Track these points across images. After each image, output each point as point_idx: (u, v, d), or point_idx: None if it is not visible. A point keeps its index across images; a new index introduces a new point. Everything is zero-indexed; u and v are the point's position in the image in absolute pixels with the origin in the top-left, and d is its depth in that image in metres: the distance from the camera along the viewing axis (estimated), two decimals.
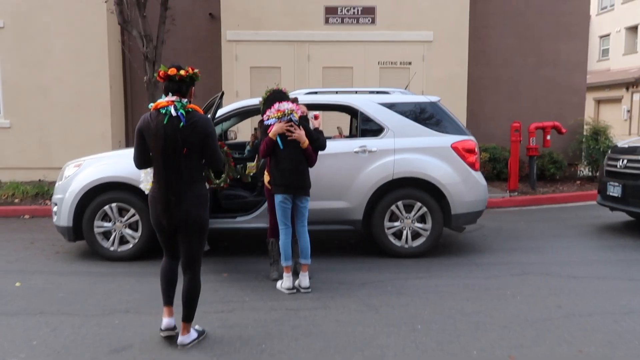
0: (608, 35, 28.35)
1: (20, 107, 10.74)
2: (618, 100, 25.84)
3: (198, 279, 3.51)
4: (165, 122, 3.25)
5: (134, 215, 5.75)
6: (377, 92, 6.32)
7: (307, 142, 4.63)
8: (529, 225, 7.62)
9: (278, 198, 4.64)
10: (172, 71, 3.34)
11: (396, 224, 5.81)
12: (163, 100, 3.34)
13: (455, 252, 6.06)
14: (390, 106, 5.94)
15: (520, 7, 11.56)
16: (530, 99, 11.67)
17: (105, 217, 5.80)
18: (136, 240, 5.77)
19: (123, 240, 5.81)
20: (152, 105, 3.39)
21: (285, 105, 4.61)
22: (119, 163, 5.83)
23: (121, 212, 5.79)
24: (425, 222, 5.82)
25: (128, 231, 5.78)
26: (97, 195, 5.76)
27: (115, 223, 5.77)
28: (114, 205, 5.73)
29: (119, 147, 10.99)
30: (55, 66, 10.65)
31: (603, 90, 25.08)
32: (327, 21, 10.90)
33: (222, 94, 5.28)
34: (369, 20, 10.93)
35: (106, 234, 5.81)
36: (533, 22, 11.57)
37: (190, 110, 3.34)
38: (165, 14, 9.20)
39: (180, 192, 3.31)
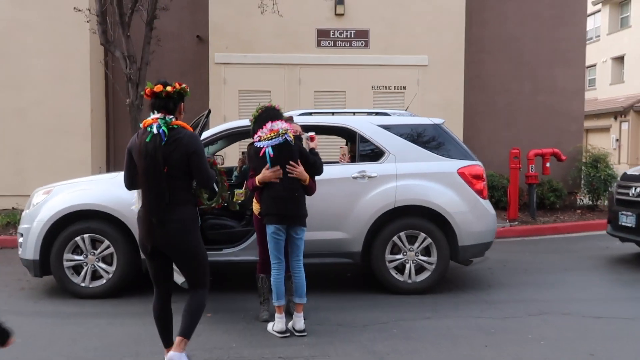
0: (594, 65, 28.51)
1: None
2: (607, 129, 25.83)
3: (205, 294, 3.35)
4: (147, 139, 3.16)
5: (108, 247, 5.19)
6: (377, 114, 5.90)
7: (308, 178, 4.17)
8: (536, 258, 7.15)
9: (270, 229, 4.11)
10: (158, 88, 3.24)
11: (398, 256, 5.30)
12: (150, 118, 3.26)
13: (461, 288, 5.54)
14: (391, 128, 5.50)
15: (515, 33, 11.33)
16: (527, 125, 11.35)
17: (76, 250, 5.22)
18: (110, 275, 5.19)
19: (95, 275, 5.23)
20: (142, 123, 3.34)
21: (279, 125, 4.12)
22: (92, 189, 5.29)
23: (94, 243, 5.22)
24: (430, 255, 5.32)
25: (101, 265, 5.21)
26: (67, 225, 5.19)
27: (87, 256, 5.20)
28: (86, 236, 5.17)
29: (99, 172, 10.40)
30: (34, 88, 10.12)
31: (591, 119, 25.04)
32: (319, 44, 10.56)
33: (209, 112, 4.80)
34: (362, 44, 10.60)
35: (77, 269, 5.23)
36: (529, 48, 11.34)
37: (175, 127, 3.23)
38: (150, 34, 8.77)
39: (162, 214, 3.16)
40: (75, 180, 5.56)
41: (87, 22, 8.84)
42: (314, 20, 10.52)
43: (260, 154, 4.07)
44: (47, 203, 5.24)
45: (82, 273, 5.20)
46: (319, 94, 10.49)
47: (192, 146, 3.20)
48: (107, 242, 5.17)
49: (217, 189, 4.10)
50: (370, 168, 5.32)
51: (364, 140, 5.42)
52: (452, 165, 5.42)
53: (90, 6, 8.78)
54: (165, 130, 3.17)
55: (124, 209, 5.07)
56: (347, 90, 10.51)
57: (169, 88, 3.25)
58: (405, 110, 6.31)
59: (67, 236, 5.15)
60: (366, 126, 5.47)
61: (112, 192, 5.19)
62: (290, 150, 4.11)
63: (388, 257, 5.28)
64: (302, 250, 4.20)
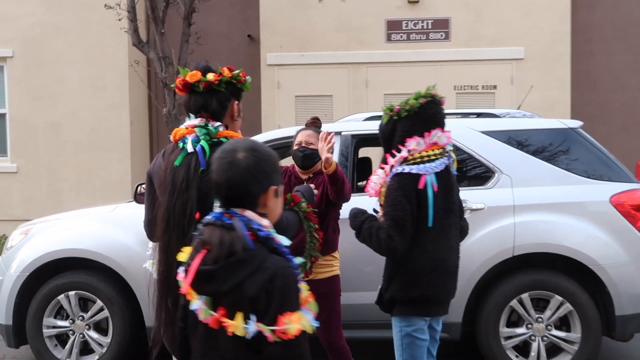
0: None
1: (28, 148, 9.18)
2: None
3: None
4: (177, 163, 1.98)
5: (101, 309, 3.73)
6: (478, 115, 4.14)
7: None
8: None
9: (416, 325, 2.54)
10: (193, 76, 2.02)
11: (520, 330, 3.51)
12: (183, 126, 2.05)
13: None
14: (503, 136, 3.72)
15: (634, 17, 9.15)
16: None
17: (61, 312, 3.81)
18: (104, 350, 3.73)
19: (87, 348, 3.79)
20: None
21: (443, 136, 2.59)
22: (78, 229, 3.86)
23: (85, 304, 3.79)
24: (569, 329, 3.48)
25: (93, 334, 3.76)
26: (48, 279, 3.79)
27: (74, 321, 3.77)
28: (72, 294, 3.74)
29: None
30: (68, 99, 9.07)
31: None
32: (389, 38, 8.87)
33: None
34: (441, 36, 8.82)
35: (62, 338, 3.82)
36: None
37: (225, 140, 1.96)
38: (188, 30, 7.45)
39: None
40: (60, 215, 4.17)
41: (119, 19, 7.63)
42: (382, 10, 8.84)
43: (421, 186, 2.46)
44: (23, 248, 3.86)
45: (69, 344, 3.77)
46: (390, 97, 8.71)
47: None
48: (99, 303, 3.72)
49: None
50: (473, 196, 3.57)
51: (462, 153, 3.67)
52: (601, 190, 3.58)
53: (120, 1, 7.57)
54: (206, 148, 1.95)
55: (122, 257, 3.64)
56: None
57: (211, 76, 2.02)
58: (518, 109, 4.50)
59: (46, 294, 3.75)
60: (464, 133, 3.71)
61: (106, 232, 3.76)
62: (452, 182, 2.61)
63: (504, 331, 3.50)
64: (437, 344, 2.74)
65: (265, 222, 1.55)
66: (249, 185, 1.54)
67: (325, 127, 3.94)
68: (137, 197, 3.63)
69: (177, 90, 2.10)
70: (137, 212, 3.67)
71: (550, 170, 3.63)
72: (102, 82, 9.05)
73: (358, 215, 2.65)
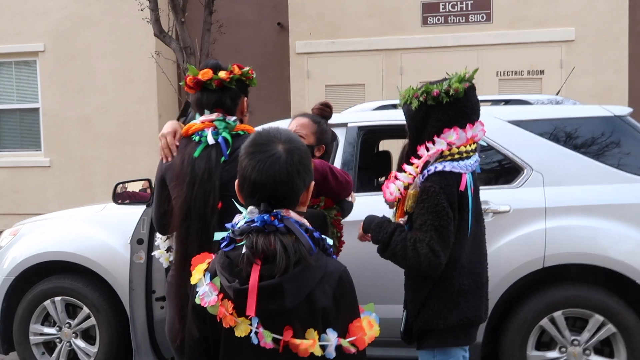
0: None
1: (60, 142, 9.19)
2: None
3: None
4: (196, 154, 2.01)
5: (88, 317, 3.47)
6: (506, 103, 3.61)
7: None
8: None
9: (454, 354, 2.16)
10: (205, 74, 2.07)
11: (551, 354, 2.99)
12: (197, 121, 2.12)
13: None
14: (535, 127, 3.18)
15: None
16: None
17: (49, 318, 3.57)
18: (91, 359, 3.46)
19: (77, 358, 3.54)
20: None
21: (481, 130, 2.20)
22: (63, 231, 3.60)
23: (73, 310, 3.54)
24: (612, 355, 2.93)
25: (80, 343, 3.50)
26: (34, 283, 3.56)
27: (61, 329, 3.52)
28: (58, 299, 3.49)
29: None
30: (98, 93, 9.00)
31: None
32: (425, 22, 8.28)
33: (186, 106, 2.90)
34: (482, 17, 8.16)
35: (50, 345, 3.59)
36: None
37: (242, 133, 2.09)
38: (210, 19, 7.16)
39: None
40: (50, 215, 3.94)
41: (141, 10, 7.43)
42: None
43: (462, 188, 2.06)
44: (11, 249, 3.64)
45: (55, 353, 3.53)
46: None
47: None
48: (86, 310, 3.46)
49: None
50: (496, 196, 3.06)
51: (484, 147, 3.15)
52: None
53: None
54: (229, 138, 2.05)
55: (108, 261, 3.36)
56: None
57: (222, 74, 2.09)
58: (557, 94, 3.92)
59: (32, 299, 3.52)
60: (489, 123, 3.17)
61: (92, 234, 3.47)
62: (477, 182, 2.28)
63: (532, 354, 2.99)
64: None
65: (306, 222, 1.38)
66: (294, 182, 1.36)
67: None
68: (116, 198, 3.33)
69: (186, 89, 2.13)
70: (126, 212, 3.38)
71: (591, 166, 3.07)
72: (131, 74, 8.93)
73: (384, 225, 2.16)
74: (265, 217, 1.32)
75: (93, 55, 8.99)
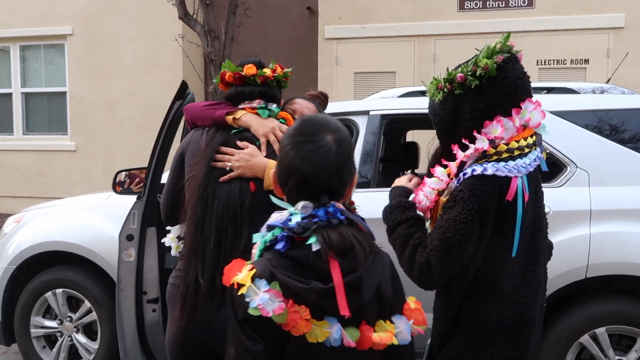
0: None
1: (86, 127, 9.14)
2: None
3: None
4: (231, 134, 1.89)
5: (90, 311, 3.29)
6: (549, 91, 3.25)
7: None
8: None
9: None
10: (249, 69, 1.95)
11: None
12: (240, 107, 1.94)
13: None
14: (580, 118, 2.82)
15: None
16: None
17: (50, 311, 3.41)
18: (92, 357, 3.28)
19: (76, 353, 3.37)
20: None
21: (534, 112, 1.67)
22: (65, 220, 3.42)
23: (76, 303, 3.37)
24: None
25: (81, 338, 3.33)
26: (36, 273, 3.40)
27: (62, 322, 3.35)
28: (59, 291, 3.32)
29: None
30: (124, 77, 8.89)
31: None
32: (462, 6, 7.85)
33: (183, 86, 2.68)
34: (523, 2, 7.68)
35: (50, 339, 3.43)
36: None
37: (282, 122, 1.96)
38: (235, 1, 6.91)
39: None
40: (55, 202, 3.76)
41: None
42: None
43: (511, 197, 1.57)
44: (14, 237, 3.48)
45: (56, 348, 3.37)
46: None
47: None
48: (87, 304, 3.28)
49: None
50: None
51: None
52: None
53: None
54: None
55: (110, 253, 3.14)
56: None
57: (267, 71, 1.98)
58: (607, 82, 3.53)
59: (33, 290, 3.36)
60: None
61: (95, 224, 3.28)
62: (540, 185, 1.75)
63: None
64: None
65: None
66: (344, 175, 1.30)
67: (348, 105, 3.26)
68: (116, 187, 3.11)
69: (221, 86, 2.03)
70: (131, 201, 3.17)
71: None
72: (157, 59, 8.78)
73: (394, 209, 1.72)
74: (330, 210, 1.26)
75: (120, 39, 8.88)
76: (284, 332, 1.19)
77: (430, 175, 1.75)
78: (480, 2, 7.79)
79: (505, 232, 1.59)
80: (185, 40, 8.02)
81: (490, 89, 1.62)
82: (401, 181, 1.83)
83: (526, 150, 1.61)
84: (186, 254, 1.78)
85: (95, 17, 8.95)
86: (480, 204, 1.54)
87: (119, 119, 8.99)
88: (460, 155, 1.64)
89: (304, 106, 2.41)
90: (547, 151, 1.83)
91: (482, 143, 1.61)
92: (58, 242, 3.28)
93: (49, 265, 3.39)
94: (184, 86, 2.59)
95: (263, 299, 1.18)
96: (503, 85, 1.61)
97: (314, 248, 1.21)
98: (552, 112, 2.82)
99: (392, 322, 1.26)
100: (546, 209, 2.65)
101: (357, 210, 2.24)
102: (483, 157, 1.61)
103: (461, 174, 1.62)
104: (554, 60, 7.61)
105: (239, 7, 7.01)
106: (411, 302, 1.34)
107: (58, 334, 3.37)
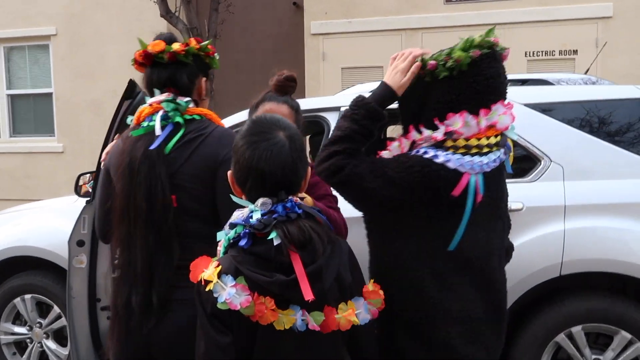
0: None
1: (72, 127, 9.06)
2: None
3: None
4: (135, 133, 1.74)
5: (59, 317, 3.21)
6: (523, 83, 3.17)
7: None
8: None
9: None
10: (155, 46, 1.76)
11: None
12: (147, 104, 1.78)
13: None
14: (555, 111, 2.74)
15: None
16: None
17: (20, 317, 3.34)
18: None
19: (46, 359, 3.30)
20: (132, 118, 1.86)
21: (503, 115, 1.64)
22: (33, 223, 3.34)
23: (46, 309, 3.29)
24: None
25: (51, 344, 3.25)
26: (5, 279, 3.32)
27: (32, 328, 3.28)
28: (27, 297, 3.24)
29: None
30: (108, 77, 8.80)
31: None
32: None
33: (131, 85, 2.57)
34: None
35: (21, 346, 3.36)
36: None
37: (198, 118, 1.77)
38: None
39: (162, 291, 1.61)
40: (26, 205, 3.69)
41: None
42: None
43: (457, 192, 1.54)
44: None
45: (26, 353, 3.30)
46: None
47: (224, 149, 1.68)
48: (57, 309, 3.20)
49: None
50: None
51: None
52: None
53: None
54: (181, 121, 1.73)
55: None
56: None
57: (176, 45, 1.78)
58: (585, 74, 3.45)
59: (2, 296, 3.29)
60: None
61: (62, 228, 3.17)
62: (502, 188, 1.76)
63: None
64: None
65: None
66: (299, 169, 1.38)
67: (318, 102, 3.18)
68: (79, 189, 3.03)
69: (135, 67, 1.85)
70: None
71: (621, 157, 2.61)
72: None
73: (364, 108, 1.64)
74: (288, 205, 1.33)
75: (104, 38, 8.79)
76: (252, 323, 1.27)
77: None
78: None
79: (449, 223, 1.56)
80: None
81: (459, 83, 1.57)
82: (399, 68, 1.64)
83: (485, 149, 1.56)
84: (117, 278, 1.70)
85: (78, 17, 8.85)
86: (415, 182, 1.54)
87: (105, 119, 8.85)
88: (415, 135, 1.62)
89: (275, 112, 2.22)
90: (512, 153, 1.73)
91: (438, 133, 1.58)
92: (26, 247, 3.20)
93: (19, 271, 3.31)
94: (132, 85, 2.49)
95: (230, 294, 1.25)
96: (473, 82, 1.56)
97: (275, 243, 1.28)
98: (526, 105, 2.75)
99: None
100: (518, 205, 2.60)
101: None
102: (439, 146, 1.58)
103: (414, 151, 1.61)
104: (542, 51, 7.53)
105: (221, 4, 6.91)
106: (370, 285, 1.43)
107: (28, 340, 3.30)
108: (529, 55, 7.53)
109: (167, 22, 7.18)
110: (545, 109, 2.72)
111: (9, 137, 9.39)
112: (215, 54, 1.91)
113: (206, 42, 1.86)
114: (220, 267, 1.30)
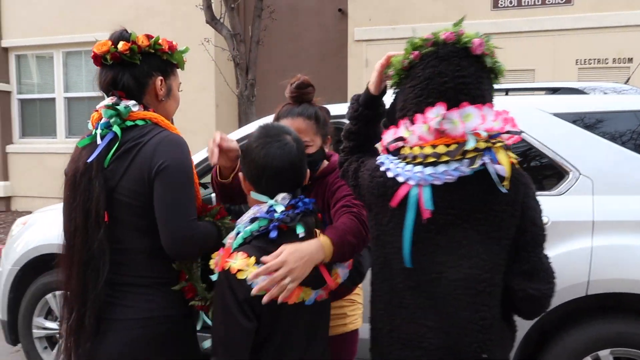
0: None
1: None
2: None
3: None
4: (80, 144, 1.67)
5: None
6: (554, 91, 3.03)
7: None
8: None
9: None
10: (102, 46, 1.66)
11: None
12: (98, 107, 1.70)
13: None
14: (587, 121, 2.60)
15: None
16: None
17: (52, 312, 3.46)
18: None
19: None
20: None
21: (451, 120, 1.38)
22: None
23: None
24: None
25: None
26: (39, 275, 3.46)
27: (62, 324, 3.38)
28: (59, 293, 3.35)
29: None
30: None
31: None
32: (496, 4, 7.57)
33: None
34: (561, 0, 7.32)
35: (52, 341, 3.48)
36: None
37: (143, 123, 1.62)
38: (260, 4, 6.90)
39: (94, 311, 1.55)
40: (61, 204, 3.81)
41: None
42: None
43: (394, 203, 1.42)
44: (19, 239, 3.56)
45: (56, 349, 3.42)
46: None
47: (160, 159, 1.54)
48: None
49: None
50: None
51: (521, 144, 2.62)
52: None
53: None
54: (118, 133, 1.59)
55: None
56: (537, 67, 7.33)
57: (121, 45, 1.65)
58: (626, 82, 3.27)
59: (35, 292, 3.42)
60: (529, 116, 2.65)
61: None
62: (488, 205, 1.43)
63: None
64: None
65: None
66: (304, 169, 1.56)
67: (338, 108, 3.14)
68: None
69: (96, 64, 1.73)
70: None
71: None
72: (190, 63, 8.79)
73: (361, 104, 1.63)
74: (306, 200, 1.53)
75: None
76: (276, 306, 1.42)
77: None
78: (515, 0, 7.48)
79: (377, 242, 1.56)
80: (212, 44, 8.09)
81: (404, 89, 1.48)
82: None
83: (430, 159, 1.36)
84: (63, 295, 1.68)
85: (132, 24, 9.04)
86: (369, 188, 1.53)
87: None
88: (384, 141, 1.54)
89: (291, 127, 2.07)
90: (509, 169, 1.45)
91: (385, 141, 1.51)
92: (50, 244, 3.31)
93: (52, 267, 3.44)
94: None
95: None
96: (410, 86, 1.44)
97: (300, 235, 1.46)
98: (555, 114, 2.63)
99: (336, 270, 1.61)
100: (544, 219, 2.48)
101: None
102: (396, 154, 1.48)
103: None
104: (594, 59, 7.20)
105: (264, 10, 6.99)
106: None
107: (58, 335, 3.41)
108: (581, 63, 7.23)
109: (213, 28, 7.37)
110: (576, 119, 2.59)
111: (65, 137, 9.84)
112: (178, 49, 1.78)
113: (156, 37, 1.74)
114: (253, 257, 1.41)
